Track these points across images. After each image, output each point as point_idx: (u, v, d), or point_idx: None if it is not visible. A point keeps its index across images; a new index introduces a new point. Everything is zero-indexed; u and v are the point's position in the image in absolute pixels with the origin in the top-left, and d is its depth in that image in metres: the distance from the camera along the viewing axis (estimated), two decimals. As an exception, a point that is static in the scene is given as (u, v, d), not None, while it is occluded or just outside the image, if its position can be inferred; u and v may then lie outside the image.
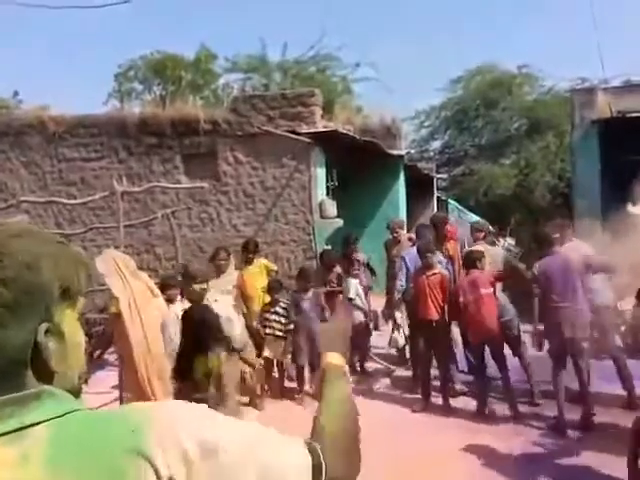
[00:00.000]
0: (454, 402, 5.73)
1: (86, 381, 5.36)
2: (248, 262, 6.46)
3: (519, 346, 5.72)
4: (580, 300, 4.96)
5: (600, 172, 9.78)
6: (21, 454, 0.71)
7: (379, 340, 7.08)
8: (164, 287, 4.94)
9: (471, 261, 5.60)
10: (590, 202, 9.56)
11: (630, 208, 9.52)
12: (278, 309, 5.98)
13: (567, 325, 4.90)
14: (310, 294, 6.03)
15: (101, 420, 0.77)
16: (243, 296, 6.15)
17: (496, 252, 6.30)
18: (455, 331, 5.96)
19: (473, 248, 6.06)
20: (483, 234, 6.41)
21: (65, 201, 8.64)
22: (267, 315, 5.96)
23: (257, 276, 6.44)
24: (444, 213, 7.35)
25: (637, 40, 34.71)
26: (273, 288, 6.01)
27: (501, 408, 5.52)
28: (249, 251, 6.47)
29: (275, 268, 7.21)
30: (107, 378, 6.24)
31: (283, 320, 5.94)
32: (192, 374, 3.40)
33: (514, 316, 5.73)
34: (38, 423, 0.73)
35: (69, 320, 0.82)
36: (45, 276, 0.77)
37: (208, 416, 0.82)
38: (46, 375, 0.78)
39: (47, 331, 0.77)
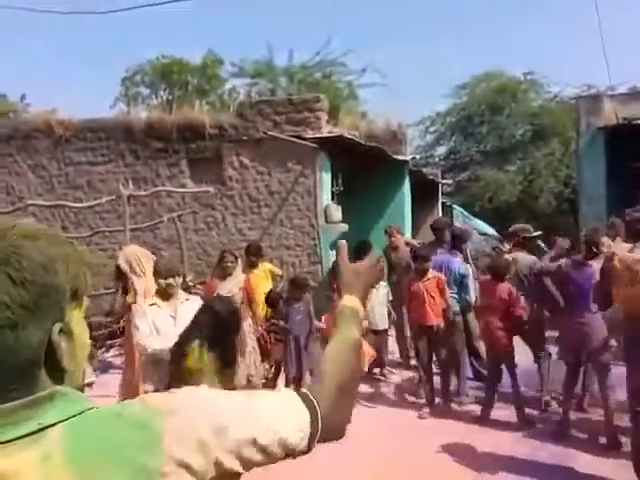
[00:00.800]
0: (459, 407, 5.73)
1: (90, 385, 5.39)
2: (252, 266, 6.47)
3: (541, 353, 5.71)
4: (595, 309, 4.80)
5: (606, 178, 9.78)
6: (42, 455, 0.72)
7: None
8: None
9: (499, 274, 5.37)
10: (596, 208, 9.55)
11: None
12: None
13: (583, 334, 4.80)
14: (301, 303, 5.89)
15: (116, 416, 0.78)
16: (249, 299, 6.15)
17: (525, 260, 5.85)
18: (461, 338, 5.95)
19: (498, 258, 6.04)
20: (517, 239, 6.08)
21: (72, 204, 8.68)
22: (274, 320, 5.94)
23: (262, 280, 6.44)
24: (447, 218, 7.28)
25: (643, 47, 34.67)
26: (273, 303, 5.96)
27: (504, 414, 5.51)
28: (251, 254, 6.50)
29: (280, 273, 7.21)
30: (112, 381, 6.25)
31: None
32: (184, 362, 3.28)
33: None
34: (54, 424, 0.74)
35: (77, 320, 0.84)
36: (60, 277, 0.79)
37: (216, 398, 0.85)
38: (58, 374, 0.80)
39: (60, 331, 0.79)
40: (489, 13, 38.51)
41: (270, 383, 5.84)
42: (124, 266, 4.76)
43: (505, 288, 5.31)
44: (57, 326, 0.78)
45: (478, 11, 38.47)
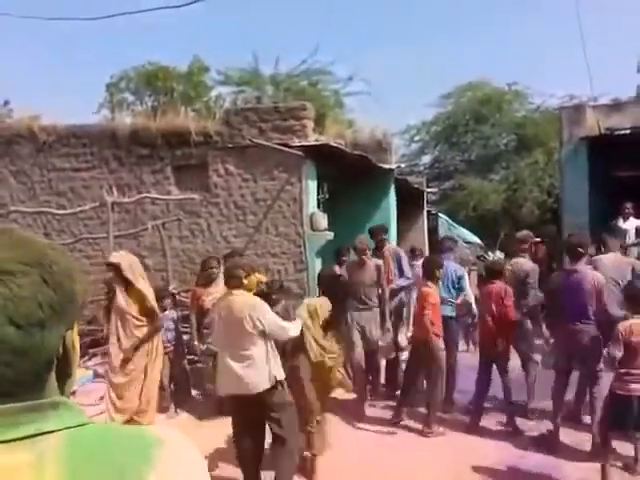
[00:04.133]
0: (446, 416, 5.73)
1: (74, 393, 5.33)
2: None
3: (529, 360, 5.73)
4: (590, 318, 4.83)
5: (588, 188, 9.90)
6: (37, 459, 0.74)
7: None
8: (158, 298, 5.20)
9: (494, 272, 5.54)
10: (578, 218, 9.66)
11: (619, 223, 9.64)
12: None
13: (575, 343, 4.85)
14: (277, 308, 5.93)
15: (114, 436, 0.81)
16: None
17: (525, 265, 5.89)
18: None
19: (497, 259, 6.12)
20: (527, 245, 6.07)
21: (55, 211, 8.58)
22: None
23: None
24: (382, 224, 7.22)
25: (625, 59, 35.32)
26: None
27: (489, 422, 5.52)
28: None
29: (264, 279, 7.18)
30: (95, 389, 6.17)
31: None
32: None
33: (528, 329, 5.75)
34: (53, 432, 0.76)
35: (75, 329, 0.89)
36: (78, 286, 0.85)
37: (202, 466, 0.87)
38: (64, 379, 0.86)
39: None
40: (475, 24, 38.99)
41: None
42: (128, 272, 4.72)
43: (501, 286, 5.39)
44: (70, 332, 0.84)
45: (464, 22, 38.94)
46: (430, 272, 5.55)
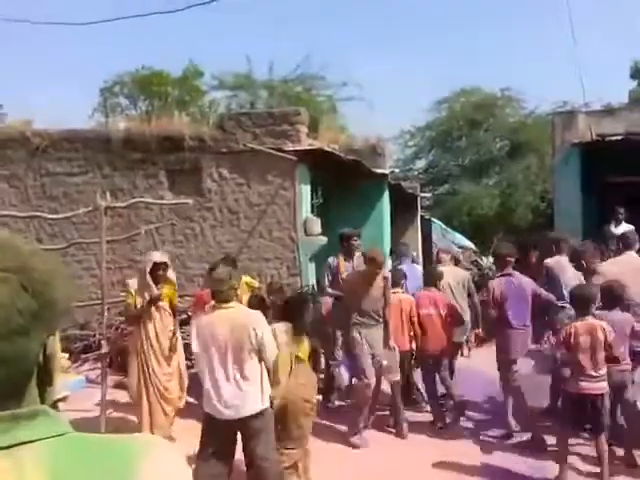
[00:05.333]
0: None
1: (64, 399, 5.29)
2: None
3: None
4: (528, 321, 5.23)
5: (581, 193, 9.95)
6: (15, 468, 0.73)
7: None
8: None
9: (432, 279, 5.93)
10: (571, 222, 9.70)
11: (611, 228, 9.69)
12: None
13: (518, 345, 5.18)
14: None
15: (96, 445, 0.80)
16: None
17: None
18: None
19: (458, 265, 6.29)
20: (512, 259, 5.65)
21: (47, 216, 8.52)
22: None
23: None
24: (350, 229, 6.71)
25: (618, 64, 35.59)
26: (252, 306, 6.03)
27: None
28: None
29: (257, 285, 7.19)
30: (86, 396, 6.13)
31: None
32: None
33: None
34: (33, 441, 0.75)
35: (57, 336, 0.87)
36: (59, 293, 0.83)
37: (188, 476, 0.85)
38: (45, 387, 0.83)
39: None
40: (469, 30, 39.20)
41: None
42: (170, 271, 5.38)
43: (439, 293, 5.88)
44: (51, 339, 0.82)
45: (458, 29, 39.16)
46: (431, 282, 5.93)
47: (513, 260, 5.41)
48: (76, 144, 9.15)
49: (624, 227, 9.06)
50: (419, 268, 7.89)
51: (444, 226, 15.18)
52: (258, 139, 8.46)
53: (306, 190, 8.61)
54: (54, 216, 8.46)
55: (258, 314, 3.94)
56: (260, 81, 18.34)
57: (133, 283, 5.43)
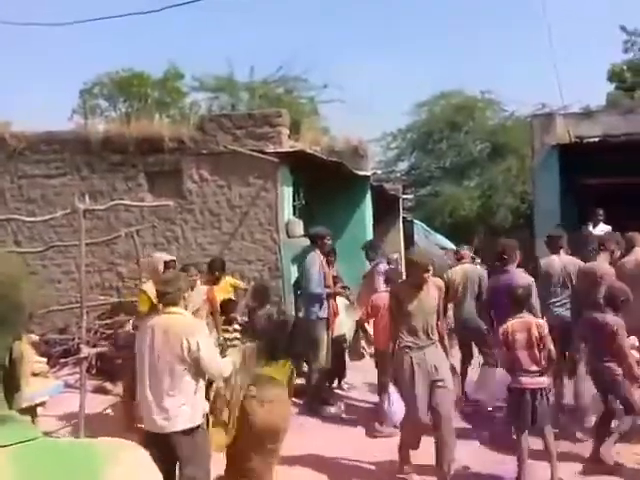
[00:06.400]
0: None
1: (43, 404, 5.21)
2: (216, 280, 6.44)
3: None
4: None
5: (559, 195, 10.06)
6: None
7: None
8: None
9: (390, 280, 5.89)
10: (550, 223, 9.80)
11: (589, 229, 9.82)
12: (236, 326, 6.00)
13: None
14: (264, 311, 6.02)
15: (64, 450, 0.79)
16: (212, 311, 6.11)
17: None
18: None
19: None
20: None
21: (25, 218, 8.40)
22: (226, 335, 5.92)
23: (225, 293, 6.43)
24: (322, 228, 6.76)
25: (595, 69, 36.16)
26: (228, 307, 6.04)
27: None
28: (216, 269, 6.48)
29: (243, 286, 7.21)
30: (65, 400, 6.04)
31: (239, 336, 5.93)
32: None
33: None
34: (2, 447, 0.74)
35: (24, 340, 0.85)
36: (24, 297, 0.82)
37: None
38: (12, 391, 0.82)
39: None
40: (451, 32, 39.53)
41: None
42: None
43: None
44: (17, 343, 0.81)
45: (440, 30, 39.47)
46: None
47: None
48: (54, 146, 9.03)
49: (602, 228, 9.20)
50: (399, 269, 7.94)
51: (426, 227, 15.27)
52: (239, 141, 8.43)
53: (288, 192, 8.59)
54: (32, 219, 8.34)
55: (197, 324, 3.65)
56: (241, 83, 18.30)
57: (150, 287, 5.21)
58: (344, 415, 6.18)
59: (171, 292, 3.59)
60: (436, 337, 4.52)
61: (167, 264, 5.71)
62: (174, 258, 5.92)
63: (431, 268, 4.50)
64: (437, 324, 4.56)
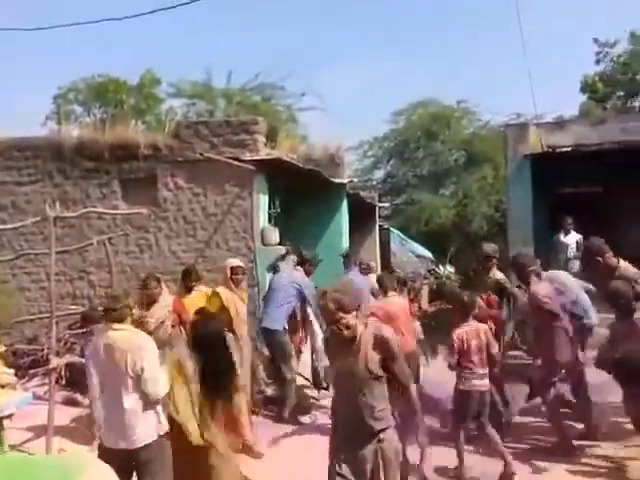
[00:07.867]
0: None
1: (11, 416, 5.08)
2: (189, 290, 6.31)
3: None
4: None
5: (532, 203, 10.20)
6: None
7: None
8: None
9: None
10: (523, 231, 9.93)
11: (560, 237, 9.97)
12: None
13: None
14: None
15: (31, 465, 0.76)
16: (181, 322, 5.97)
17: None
18: None
19: None
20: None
21: (-6, 226, 8.25)
22: None
23: (197, 303, 6.29)
24: (311, 253, 7.25)
25: (569, 80, 36.90)
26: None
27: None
28: (191, 280, 6.30)
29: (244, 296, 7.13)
30: (34, 412, 5.90)
31: None
32: None
33: None
34: None
35: None
36: None
37: None
38: None
39: None
40: (427, 41, 40.01)
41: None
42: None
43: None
44: None
45: (416, 39, 39.91)
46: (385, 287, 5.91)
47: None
48: (26, 152, 8.88)
49: (573, 236, 9.34)
50: (371, 277, 7.89)
51: (402, 235, 15.34)
52: (215, 148, 8.38)
53: (264, 200, 8.56)
54: (2, 227, 8.19)
55: (142, 340, 3.58)
56: (219, 89, 18.23)
57: (223, 291, 5.83)
58: (319, 422, 6.15)
59: (117, 309, 3.58)
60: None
61: (234, 270, 5.99)
62: (241, 264, 6.14)
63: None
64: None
